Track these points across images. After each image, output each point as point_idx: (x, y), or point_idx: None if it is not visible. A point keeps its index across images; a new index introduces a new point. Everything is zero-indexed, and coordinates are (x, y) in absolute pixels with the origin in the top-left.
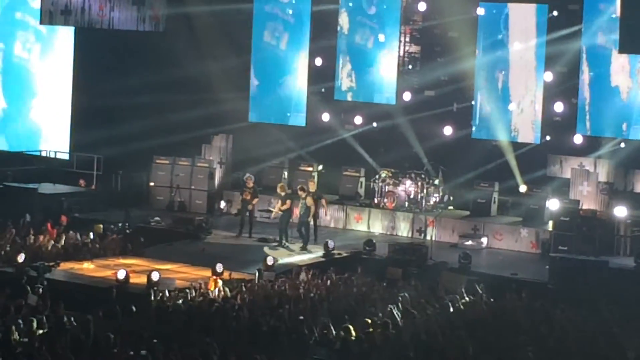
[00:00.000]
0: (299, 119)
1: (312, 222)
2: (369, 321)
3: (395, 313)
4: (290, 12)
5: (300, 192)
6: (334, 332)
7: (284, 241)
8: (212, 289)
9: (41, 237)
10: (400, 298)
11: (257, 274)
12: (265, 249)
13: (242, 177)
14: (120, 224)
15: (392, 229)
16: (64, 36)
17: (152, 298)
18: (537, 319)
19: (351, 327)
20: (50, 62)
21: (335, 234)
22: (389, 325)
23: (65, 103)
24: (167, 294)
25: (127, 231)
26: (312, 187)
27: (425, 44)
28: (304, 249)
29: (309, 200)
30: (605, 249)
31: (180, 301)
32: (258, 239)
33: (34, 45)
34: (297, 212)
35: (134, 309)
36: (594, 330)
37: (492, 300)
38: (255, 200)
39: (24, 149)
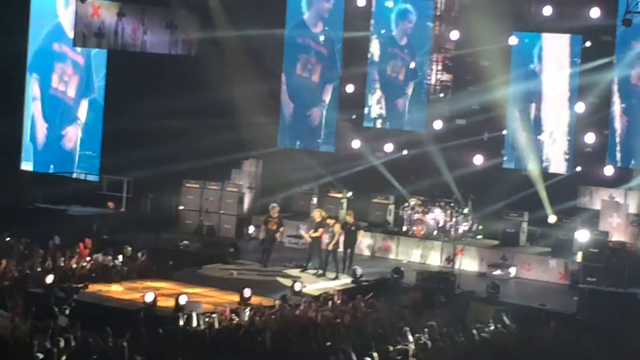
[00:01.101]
0: (328, 146)
1: (340, 250)
2: (392, 349)
3: (422, 341)
4: (322, 38)
5: (328, 220)
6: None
7: (317, 268)
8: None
9: (70, 259)
10: (427, 327)
11: (284, 299)
12: (293, 274)
13: (268, 206)
14: (150, 247)
15: (420, 257)
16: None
17: (180, 321)
18: (564, 350)
19: (376, 354)
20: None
21: (363, 261)
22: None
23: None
24: (194, 317)
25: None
26: (350, 219)
27: (457, 72)
28: (332, 276)
29: (337, 228)
30: (634, 281)
31: (207, 325)
32: (293, 265)
33: (71, 78)
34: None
35: (160, 331)
36: None
37: (519, 330)
38: (282, 229)
39: (56, 170)
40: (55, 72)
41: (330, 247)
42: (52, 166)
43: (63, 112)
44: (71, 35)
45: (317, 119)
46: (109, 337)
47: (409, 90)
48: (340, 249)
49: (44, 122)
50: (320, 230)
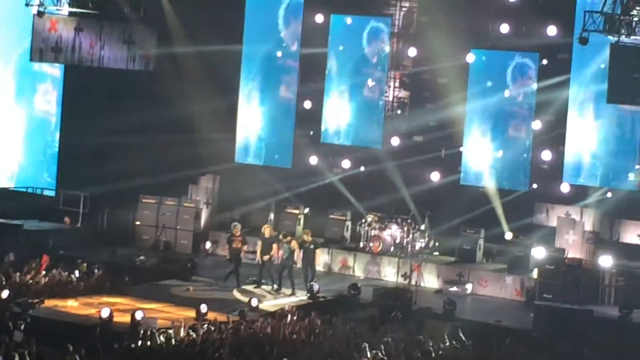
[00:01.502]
0: (285, 161)
1: (299, 266)
2: None
3: (380, 357)
4: (280, 54)
5: (282, 237)
6: None
7: (272, 284)
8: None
9: (26, 274)
10: (383, 343)
11: (241, 315)
12: (249, 291)
13: (229, 224)
14: (106, 262)
15: (377, 273)
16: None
17: (135, 337)
18: None
19: None
20: None
21: (320, 277)
22: None
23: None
24: (150, 333)
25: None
26: (307, 237)
27: (415, 89)
28: (289, 292)
29: (294, 244)
30: (590, 298)
31: (163, 340)
32: (250, 281)
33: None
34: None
35: (116, 346)
36: None
37: (475, 346)
38: (245, 246)
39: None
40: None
41: (288, 262)
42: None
43: None
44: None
45: (274, 131)
46: (64, 353)
47: (366, 107)
48: (299, 265)
49: None
50: (274, 248)
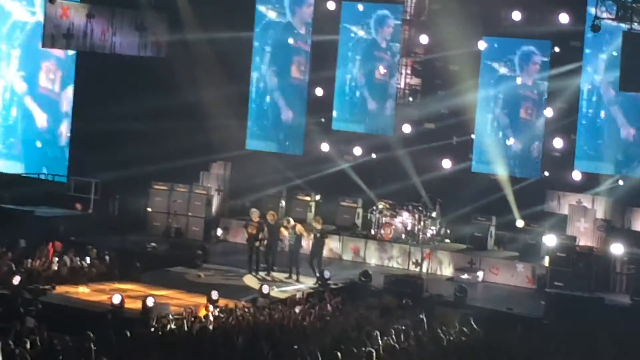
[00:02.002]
0: (297, 148)
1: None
2: (357, 351)
3: (390, 344)
4: (291, 41)
5: (286, 224)
6: None
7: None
8: (201, 315)
9: (37, 260)
10: (394, 330)
11: (252, 302)
12: (260, 277)
13: (240, 211)
14: (118, 248)
15: (388, 260)
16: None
17: (147, 323)
18: (531, 354)
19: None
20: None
21: (331, 264)
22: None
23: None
24: (161, 320)
25: (121, 256)
26: (317, 225)
27: (426, 76)
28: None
29: (299, 229)
30: (601, 286)
31: (173, 327)
32: (262, 269)
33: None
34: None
35: (128, 333)
36: None
37: (486, 334)
38: (261, 234)
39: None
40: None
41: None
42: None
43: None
44: None
45: (285, 118)
46: (75, 339)
47: (378, 94)
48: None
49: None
50: (282, 231)
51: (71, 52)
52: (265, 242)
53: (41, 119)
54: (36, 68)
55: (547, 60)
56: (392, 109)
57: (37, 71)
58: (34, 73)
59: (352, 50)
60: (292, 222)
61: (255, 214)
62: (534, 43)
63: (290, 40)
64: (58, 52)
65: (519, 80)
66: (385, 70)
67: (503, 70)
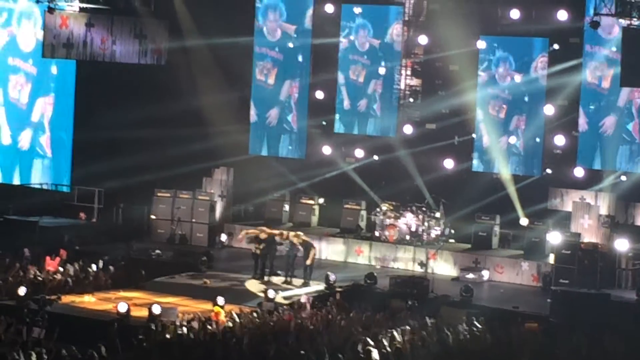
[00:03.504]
0: (299, 152)
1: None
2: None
3: (397, 345)
4: (291, 45)
5: (279, 239)
6: None
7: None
8: (217, 318)
9: (42, 270)
10: (400, 330)
11: (258, 306)
12: (265, 282)
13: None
14: (122, 257)
15: (393, 262)
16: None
17: (154, 330)
18: (538, 352)
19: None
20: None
21: (336, 267)
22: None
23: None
24: (169, 326)
25: (126, 264)
26: (296, 240)
27: (426, 77)
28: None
29: (293, 238)
30: (606, 282)
31: (182, 332)
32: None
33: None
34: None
35: (135, 341)
36: None
37: (492, 333)
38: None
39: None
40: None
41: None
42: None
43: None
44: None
45: (287, 122)
46: (82, 349)
47: (379, 96)
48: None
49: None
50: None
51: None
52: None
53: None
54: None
55: (547, 58)
56: (394, 110)
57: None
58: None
59: (352, 52)
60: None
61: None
62: (533, 41)
63: (290, 45)
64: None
65: (518, 79)
66: (385, 72)
67: (502, 68)
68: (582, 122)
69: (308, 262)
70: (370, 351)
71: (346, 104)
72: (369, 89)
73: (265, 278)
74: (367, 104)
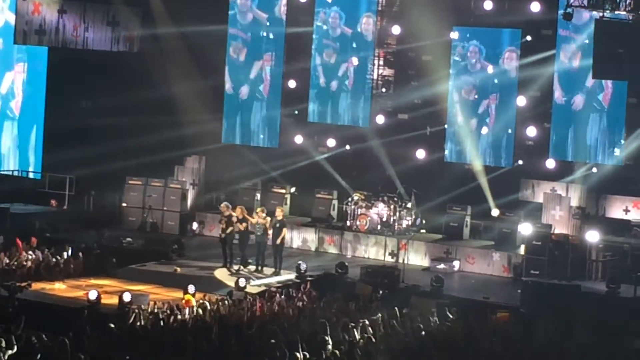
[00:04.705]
0: (271, 141)
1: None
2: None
3: (367, 335)
4: (264, 34)
5: (259, 211)
6: (301, 355)
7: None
8: (188, 306)
9: (12, 257)
10: (370, 322)
11: (228, 295)
12: (235, 271)
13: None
14: (93, 244)
15: (364, 251)
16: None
17: (124, 318)
18: (507, 343)
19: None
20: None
21: (307, 256)
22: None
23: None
24: (140, 314)
25: (96, 251)
26: (279, 214)
27: (399, 67)
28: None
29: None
30: (577, 274)
31: (152, 321)
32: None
33: None
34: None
35: (108, 327)
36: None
37: (464, 323)
38: (230, 228)
39: None
40: None
41: (272, 242)
42: None
43: None
44: None
45: (259, 111)
46: (53, 336)
47: (351, 86)
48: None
49: None
50: (243, 224)
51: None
52: (234, 234)
53: None
54: None
55: (519, 49)
56: (366, 100)
57: None
58: None
59: (325, 41)
60: (263, 213)
61: (224, 207)
62: (505, 32)
63: (263, 33)
64: None
65: (490, 69)
66: (358, 62)
67: (475, 59)
68: (558, 95)
69: (278, 241)
70: (325, 340)
71: (319, 93)
72: (341, 79)
73: (236, 267)
74: (340, 93)
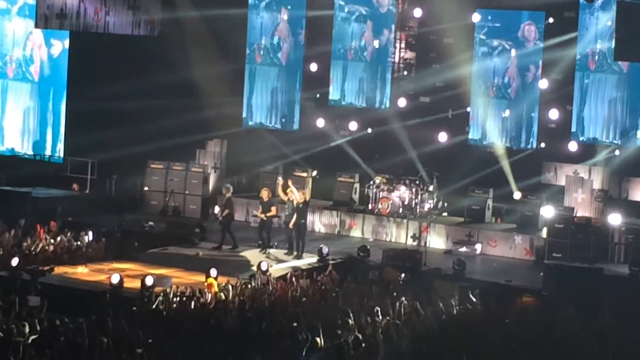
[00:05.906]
0: (293, 125)
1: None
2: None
3: (391, 318)
4: (286, 17)
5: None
6: (321, 339)
7: (272, 246)
8: (210, 289)
9: (35, 241)
10: (393, 305)
11: (251, 279)
12: (259, 254)
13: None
14: (115, 228)
15: (386, 235)
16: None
17: (147, 301)
18: (530, 326)
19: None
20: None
21: (329, 240)
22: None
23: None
24: (163, 297)
25: (118, 235)
26: (302, 196)
27: (421, 50)
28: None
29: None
30: (599, 256)
31: (174, 305)
32: (257, 245)
33: None
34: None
35: (131, 310)
36: (589, 337)
37: (487, 307)
38: (226, 211)
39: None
40: None
41: (291, 226)
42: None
43: None
44: None
45: (281, 94)
46: (75, 320)
47: (372, 69)
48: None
49: None
50: (273, 208)
51: None
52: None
53: None
54: None
55: (542, 32)
56: (387, 83)
57: None
58: None
59: (346, 24)
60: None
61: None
62: (527, 14)
63: (285, 16)
64: None
65: (513, 52)
66: (379, 45)
67: (497, 42)
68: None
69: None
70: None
71: (340, 76)
72: (363, 62)
73: (270, 250)
74: (361, 76)
